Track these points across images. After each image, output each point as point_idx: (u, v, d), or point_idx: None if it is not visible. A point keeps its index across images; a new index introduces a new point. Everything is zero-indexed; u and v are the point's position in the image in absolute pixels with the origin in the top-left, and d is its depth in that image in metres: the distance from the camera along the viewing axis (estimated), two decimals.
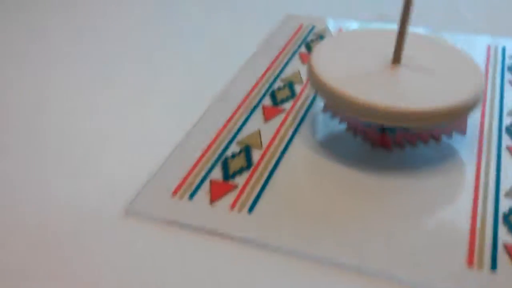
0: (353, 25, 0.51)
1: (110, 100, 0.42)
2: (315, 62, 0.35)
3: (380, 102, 0.31)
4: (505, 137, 0.36)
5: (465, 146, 0.36)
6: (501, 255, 0.28)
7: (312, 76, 0.35)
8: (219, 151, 0.36)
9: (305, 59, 0.46)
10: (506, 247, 0.29)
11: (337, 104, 0.33)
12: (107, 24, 0.53)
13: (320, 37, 0.50)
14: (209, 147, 0.36)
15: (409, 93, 0.33)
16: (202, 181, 0.33)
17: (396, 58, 0.34)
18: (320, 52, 0.36)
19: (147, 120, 0.40)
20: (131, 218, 0.31)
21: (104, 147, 0.37)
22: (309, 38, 0.49)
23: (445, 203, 0.32)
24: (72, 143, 0.37)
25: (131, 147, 0.37)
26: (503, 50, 0.46)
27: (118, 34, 0.52)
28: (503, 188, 0.32)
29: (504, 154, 0.35)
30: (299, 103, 0.40)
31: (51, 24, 0.53)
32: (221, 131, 0.38)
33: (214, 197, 0.32)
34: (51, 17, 0.55)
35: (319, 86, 0.34)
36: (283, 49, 0.48)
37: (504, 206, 0.31)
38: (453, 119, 0.32)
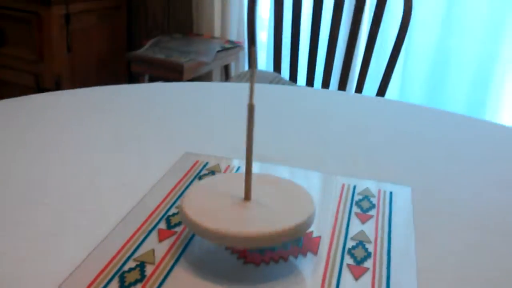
0: (240, 162, 0.62)
1: (34, 221, 0.49)
2: (185, 204, 0.45)
3: (230, 230, 0.42)
4: (346, 257, 0.47)
5: (314, 264, 0.46)
6: None
7: (182, 214, 0.44)
8: (118, 267, 0.43)
9: None
10: None
11: (202, 235, 0.43)
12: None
13: (212, 172, 0.60)
14: (108, 264, 0.44)
15: (251, 223, 0.43)
16: None
17: (246, 197, 0.46)
18: (189, 196, 0.46)
19: (58, 239, 0.47)
20: None
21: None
22: (202, 173, 0.60)
23: None
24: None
25: (43, 267, 0.44)
26: (354, 188, 0.58)
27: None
28: None
29: (344, 271, 0.45)
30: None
31: None
32: (120, 250, 0.45)
33: None
34: None
35: (186, 222, 0.44)
36: (180, 181, 0.57)
37: None
38: (288, 239, 0.43)
